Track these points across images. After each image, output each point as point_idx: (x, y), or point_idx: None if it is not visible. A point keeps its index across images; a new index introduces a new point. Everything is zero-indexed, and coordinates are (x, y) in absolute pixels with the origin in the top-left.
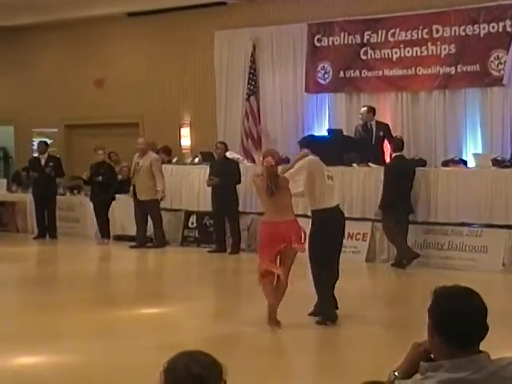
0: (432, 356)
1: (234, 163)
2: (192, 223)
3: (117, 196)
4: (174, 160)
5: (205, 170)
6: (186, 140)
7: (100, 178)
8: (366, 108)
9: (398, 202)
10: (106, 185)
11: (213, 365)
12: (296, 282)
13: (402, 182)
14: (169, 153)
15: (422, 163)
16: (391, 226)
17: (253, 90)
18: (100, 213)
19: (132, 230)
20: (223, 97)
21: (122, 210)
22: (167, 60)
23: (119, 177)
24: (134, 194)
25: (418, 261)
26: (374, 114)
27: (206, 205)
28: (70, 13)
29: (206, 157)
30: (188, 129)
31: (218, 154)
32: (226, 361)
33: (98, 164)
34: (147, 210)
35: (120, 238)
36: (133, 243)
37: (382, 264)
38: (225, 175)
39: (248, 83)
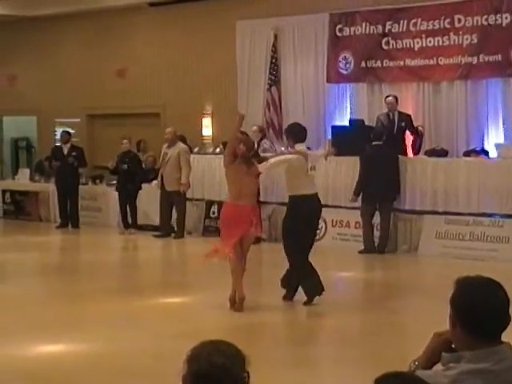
0: (453, 346)
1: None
2: (213, 213)
3: (143, 185)
4: (196, 150)
5: None
6: (207, 130)
7: (126, 166)
8: (393, 98)
9: (376, 190)
10: (131, 174)
11: (236, 355)
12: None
13: (378, 170)
14: (184, 142)
15: (443, 153)
16: (365, 215)
17: (274, 80)
18: (126, 202)
19: (154, 220)
20: (245, 87)
21: (146, 200)
22: (189, 50)
23: (144, 166)
24: (162, 184)
25: (439, 251)
26: (397, 104)
27: (227, 194)
28: (92, 3)
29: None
30: (209, 119)
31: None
32: (248, 351)
33: (123, 153)
34: (173, 200)
35: (142, 228)
36: (156, 233)
37: (404, 254)
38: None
39: (269, 73)
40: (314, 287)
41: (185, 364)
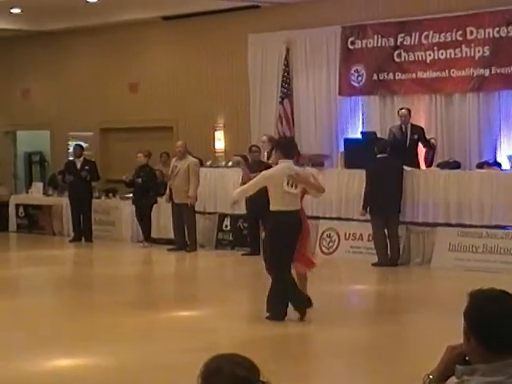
0: (467, 359)
1: (268, 166)
2: (226, 226)
3: (158, 199)
4: (208, 163)
5: (238, 173)
6: (219, 143)
7: (140, 180)
8: (406, 110)
9: (382, 203)
10: (146, 188)
11: (254, 367)
12: (324, 281)
13: (383, 183)
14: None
15: (456, 165)
16: (375, 227)
17: (286, 93)
18: (141, 216)
19: (167, 233)
20: (257, 100)
21: (157, 213)
22: (201, 63)
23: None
24: (171, 197)
25: (452, 264)
26: (410, 117)
27: (239, 207)
28: (105, 17)
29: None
30: (222, 132)
31: (253, 157)
32: (262, 364)
33: (140, 167)
34: (182, 213)
35: (155, 241)
36: (170, 246)
37: (417, 266)
38: None
39: (281, 86)
40: (303, 299)
41: (200, 379)
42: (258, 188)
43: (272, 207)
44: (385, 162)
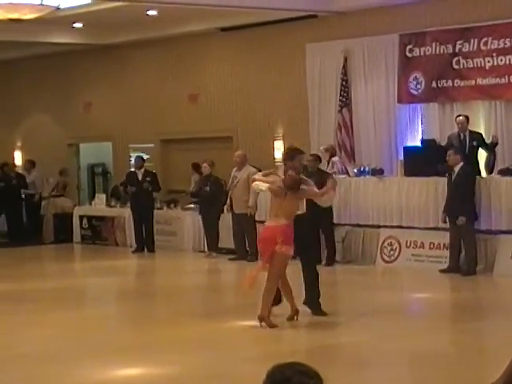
0: None
1: (328, 175)
2: None
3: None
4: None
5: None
6: (279, 152)
7: (207, 188)
8: (463, 117)
9: (456, 209)
10: (212, 198)
11: (318, 376)
12: (385, 290)
13: (458, 189)
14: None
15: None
16: (450, 233)
17: (345, 101)
18: (208, 226)
19: (228, 243)
20: (316, 109)
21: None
22: (259, 73)
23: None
24: (231, 207)
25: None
26: (468, 124)
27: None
28: (164, 30)
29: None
30: (281, 141)
31: (312, 166)
32: (325, 373)
33: (205, 177)
34: (242, 223)
35: (221, 251)
36: (231, 256)
37: (479, 274)
38: (319, 187)
39: (340, 95)
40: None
41: None
42: None
43: None
44: (460, 168)
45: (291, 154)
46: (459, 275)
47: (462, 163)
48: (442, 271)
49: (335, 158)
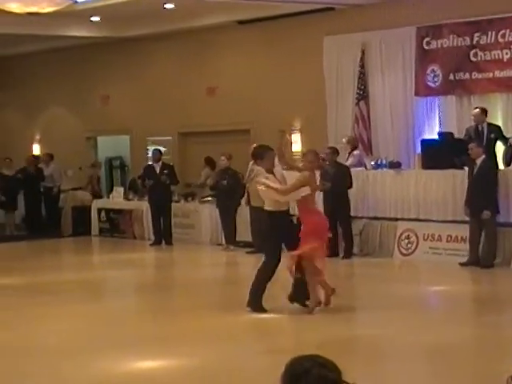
0: None
1: (346, 168)
2: None
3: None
4: (285, 166)
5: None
6: (296, 146)
7: (225, 182)
8: (478, 110)
9: (477, 202)
10: (230, 191)
11: (337, 368)
12: (403, 283)
13: (479, 182)
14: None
15: None
16: (470, 226)
17: (362, 94)
18: (226, 219)
19: (245, 236)
20: (333, 102)
21: (237, 216)
22: (277, 66)
23: None
24: (248, 201)
25: None
26: (486, 116)
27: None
28: (182, 23)
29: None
30: (299, 134)
31: (329, 159)
32: (343, 366)
33: (222, 170)
34: (259, 216)
35: (239, 244)
36: (249, 249)
37: (497, 268)
38: (336, 180)
39: (357, 88)
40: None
41: (283, 381)
42: None
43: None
44: (482, 161)
45: (260, 152)
46: (477, 268)
47: (483, 156)
48: (462, 264)
49: (356, 152)
